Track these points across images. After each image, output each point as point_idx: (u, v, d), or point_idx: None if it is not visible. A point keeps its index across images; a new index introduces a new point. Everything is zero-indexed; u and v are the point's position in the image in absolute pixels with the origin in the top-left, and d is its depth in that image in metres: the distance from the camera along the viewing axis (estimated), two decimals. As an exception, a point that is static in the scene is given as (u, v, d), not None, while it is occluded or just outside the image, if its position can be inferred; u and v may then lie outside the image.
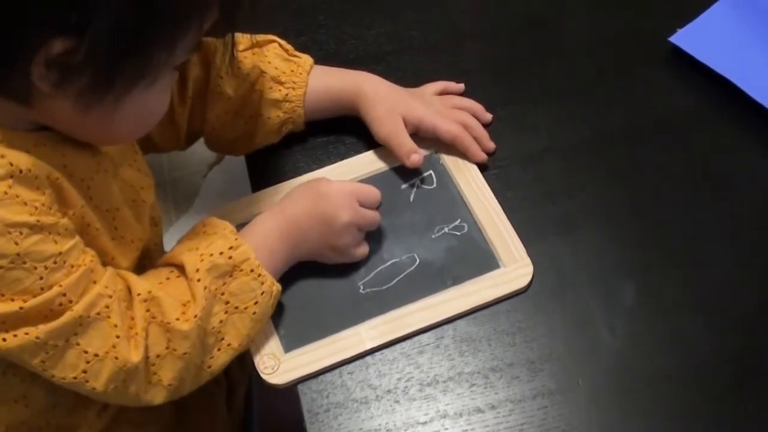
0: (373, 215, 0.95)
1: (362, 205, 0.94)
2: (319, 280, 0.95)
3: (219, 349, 0.85)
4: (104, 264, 0.85)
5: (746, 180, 1.02)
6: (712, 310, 0.93)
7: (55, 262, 0.76)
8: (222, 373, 1.00)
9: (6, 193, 0.73)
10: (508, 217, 0.97)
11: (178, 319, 0.82)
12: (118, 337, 0.79)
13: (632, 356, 0.90)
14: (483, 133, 1.03)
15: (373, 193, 0.96)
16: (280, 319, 0.92)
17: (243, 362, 1.03)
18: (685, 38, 1.10)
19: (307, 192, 0.94)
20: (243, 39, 1.01)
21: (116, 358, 0.79)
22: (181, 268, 0.85)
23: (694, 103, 1.08)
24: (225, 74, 0.98)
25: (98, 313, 0.78)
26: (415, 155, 0.99)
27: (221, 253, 0.85)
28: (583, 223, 0.99)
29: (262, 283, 0.87)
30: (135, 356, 0.79)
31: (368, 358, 0.91)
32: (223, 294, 0.85)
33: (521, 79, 1.11)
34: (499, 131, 1.05)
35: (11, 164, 0.74)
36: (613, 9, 1.18)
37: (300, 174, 1.02)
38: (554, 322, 0.92)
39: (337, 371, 0.90)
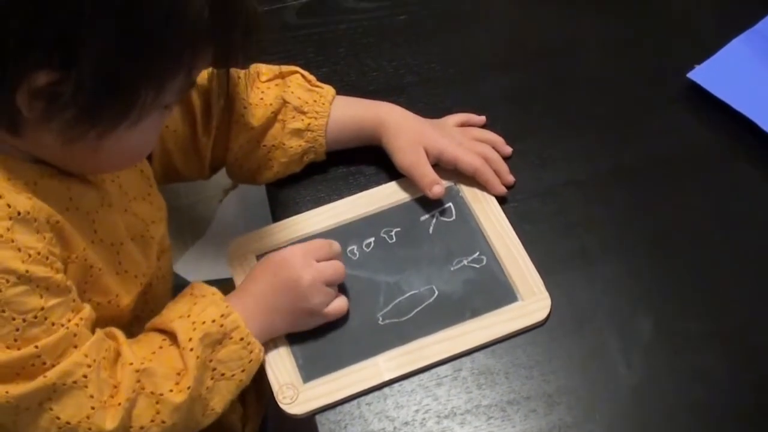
0: (332, 266, 0.93)
1: (320, 260, 0.93)
2: (339, 311, 0.95)
3: (203, 415, 0.85)
4: (108, 302, 0.85)
5: (764, 216, 1.02)
6: (730, 344, 0.93)
7: (35, 317, 0.75)
8: (239, 403, 1.01)
9: (2, 235, 0.73)
10: (526, 251, 0.98)
11: (171, 391, 0.82)
12: (93, 408, 0.78)
13: (649, 391, 0.90)
14: (503, 166, 1.04)
15: (326, 247, 0.94)
16: (299, 350, 0.93)
17: (260, 392, 1.04)
18: (702, 74, 1.11)
19: (264, 267, 0.93)
20: (267, 70, 1.03)
21: (89, 429, 0.78)
22: (172, 336, 0.85)
23: (711, 139, 1.09)
24: (249, 105, 0.99)
25: (74, 382, 0.77)
26: (437, 187, 1.00)
27: (213, 321, 0.85)
28: (601, 257, 0.99)
29: (251, 352, 0.87)
30: (110, 424, 0.78)
31: (386, 390, 0.91)
32: (211, 361, 0.85)
33: (540, 113, 1.12)
34: (518, 164, 1.05)
35: (9, 206, 0.74)
36: (631, 44, 1.19)
37: (321, 204, 1.03)
38: (572, 355, 0.93)
39: (355, 402, 0.90)
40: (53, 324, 0.76)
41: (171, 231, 0.98)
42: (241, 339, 0.86)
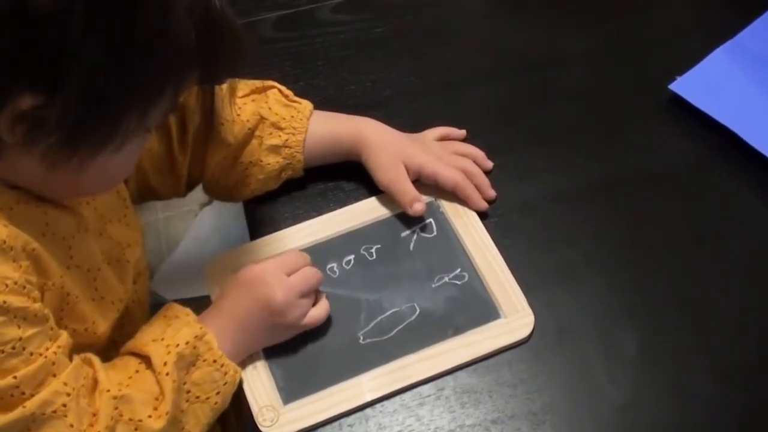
0: (302, 276, 0.92)
1: (291, 272, 0.92)
2: (319, 330, 0.94)
3: None
4: (84, 329, 0.84)
5: (746, 228, 1.02)
6: (714, 359, 0.93)
7: (13, 348, 0.73)
8: (218, 425, 0.99)
9: None
10: (508, 266, 0.97)
11: (150, 416, 0.81)
12: None
13: (634, 406, 0.90)
14: (484, 181, 1.03)
15: (297, 259, 0.93)
16: (279, 371, 0.91)
17: (240, 415, 1.02)
18: (684, 86, 1.11)
19: (237, 284, 0.91)
20: (243, 85, 1.01)
21: None
22: (147, 360, 0.84)
23: (693, 150, 1.08)
24: (225, 121, 0.98)
25: (54, 411, 0.75)
26: (418, 204, 0.99)
27: (187, 343, 0.84)
28: (583, 271, 0.98)
29: (225, 374, 0.86)
30: None
31: (368, 410, 0.90)
32: (185, 383, 0.83)
33: (521, 126, 1.11)
34: (499, 178, 1.05)
35: None
36: (613, 56, 1.18)
37: (300, 221, 1.02)
38: (555, 372, 0.92)
39: (336, 423, 0.89)
40: (32, 354, 0.75)
41: (146, 245, 0.97)
42: (214, 361, 0.85)
